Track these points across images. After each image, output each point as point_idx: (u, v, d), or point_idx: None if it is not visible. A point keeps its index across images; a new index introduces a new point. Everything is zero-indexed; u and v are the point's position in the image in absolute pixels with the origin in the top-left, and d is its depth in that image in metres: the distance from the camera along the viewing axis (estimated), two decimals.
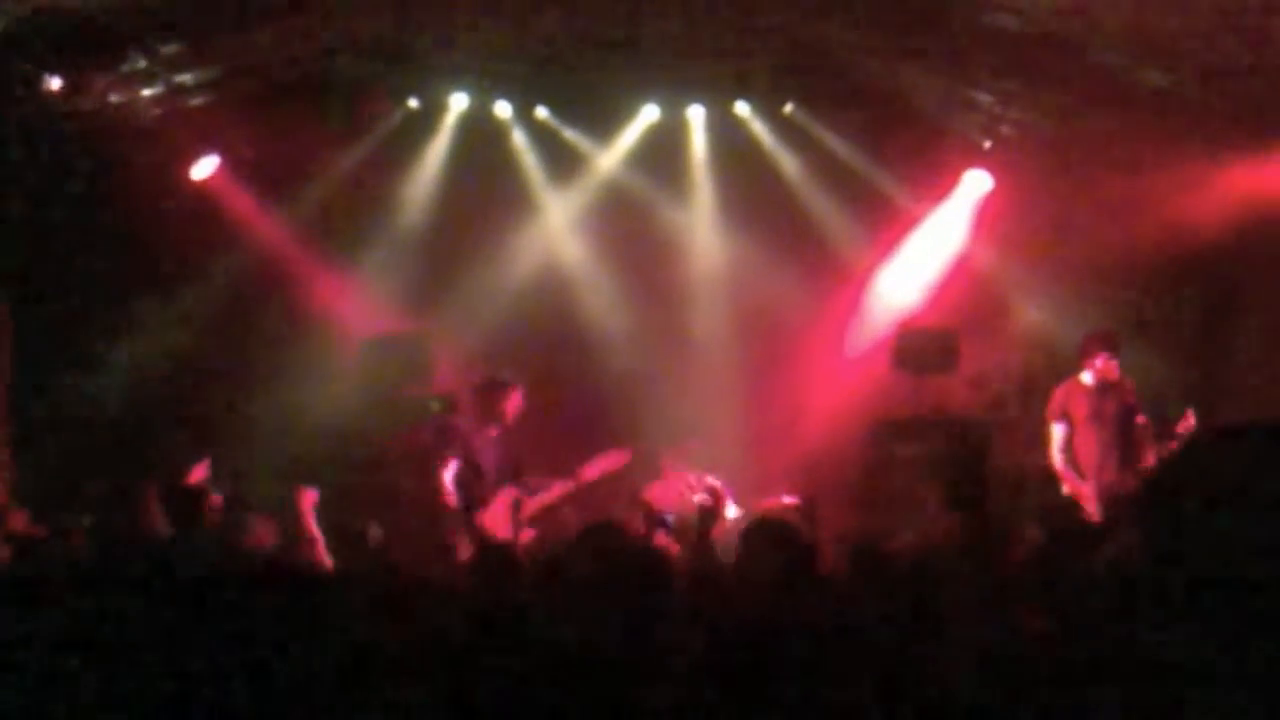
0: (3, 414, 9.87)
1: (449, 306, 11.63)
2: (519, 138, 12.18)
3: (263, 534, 6.72)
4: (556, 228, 12.28)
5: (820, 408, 11.50)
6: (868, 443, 11.46)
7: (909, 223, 12.07)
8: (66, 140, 9.98)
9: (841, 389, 11.59)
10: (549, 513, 9.54)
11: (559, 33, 10.76)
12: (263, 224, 11.57)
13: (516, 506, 9.37)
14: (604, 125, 12.15)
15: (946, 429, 11.01)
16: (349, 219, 11.81)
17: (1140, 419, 8.98)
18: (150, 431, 10.78)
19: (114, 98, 10.04)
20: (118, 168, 10.49)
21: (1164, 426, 8.80)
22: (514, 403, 9.52)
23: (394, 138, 11.86)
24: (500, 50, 11.15)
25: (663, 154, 12.15)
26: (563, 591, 3.77)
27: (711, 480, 9.95)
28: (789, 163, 12.13)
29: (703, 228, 12.31)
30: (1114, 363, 9.03)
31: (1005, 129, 11.42)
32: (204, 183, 11.29)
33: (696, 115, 12.16)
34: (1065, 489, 8.97)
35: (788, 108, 12.01)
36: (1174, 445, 8.26)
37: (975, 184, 11.77)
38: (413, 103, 11.82)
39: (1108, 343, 9.10)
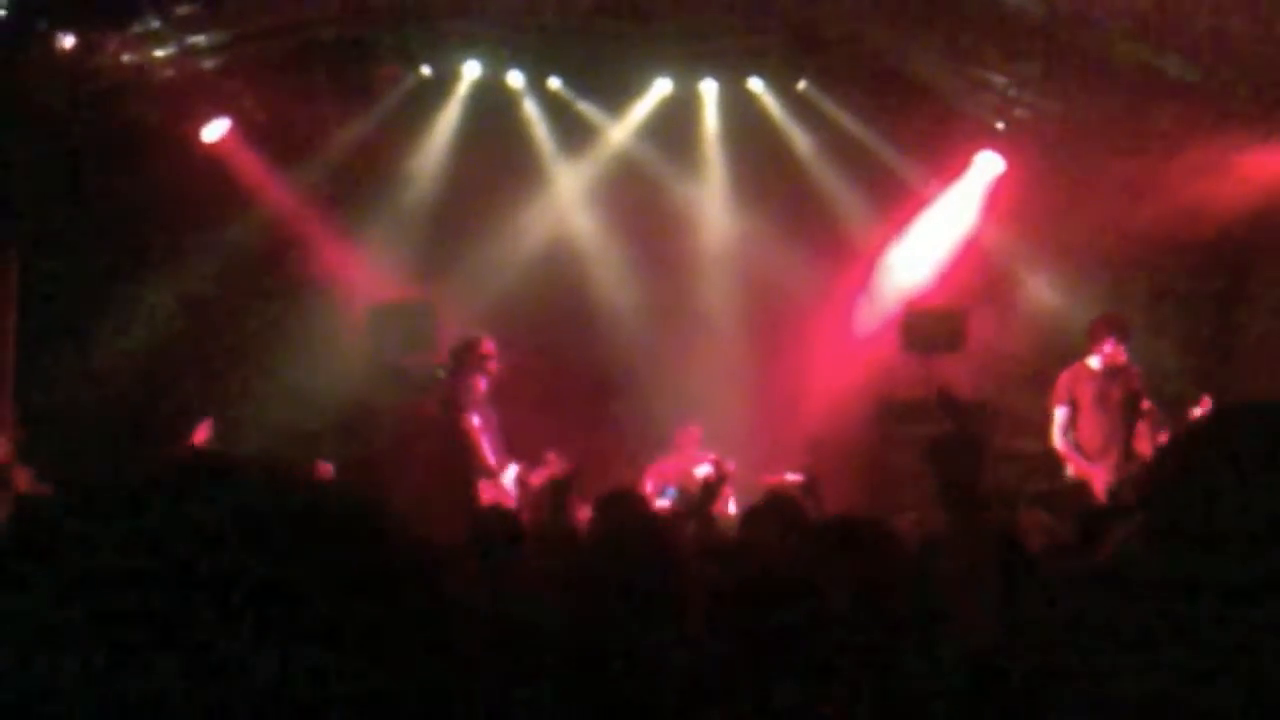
0: (9, 374, 9.87)
1: (456, 276, 11.62)
2: (531, 108, 12.14)
3: None
4: (566, 199, 12.26)
5: (827, 386, 11.51)
6: (874, 422, 11.47)
7: (919, 203, 12.05)
8: (78, 100, 9.95)
9: (848, 368, 11.59)
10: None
11: (574, 2, 10.73)
12: (272, 188, 11.55)
13: (524, 478, 9.43)
14: (616, 98, 12.12)
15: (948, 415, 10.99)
16: (359, 185, 11.79)
17: (1146, 404, 8.97)
18: (155, 397, 10.79)
19: (127, 58, 10.01)
20: (129, 128, 10.46)
21: (1172, 412, 8.78)
22: (487, 350, 9.54)
23: (406, 105, 11.82)
24: (514, 19, 11.11)
25: (675, 128, 12.12)
26: (573, 559, 3.80)
27: (720, 459, 9.98)
28: (801, 140, 12.11)
29: (713, 203, 12.30)
30: (1122, 348, 9.00)
31: (1018, 111, 11.38)
32: (215, 145, 11.27)
33: (709, 90, 12.12)
34: (1071, 471, 8.96)
35: (801, 85, 11.98)
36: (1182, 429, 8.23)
37: (987, 165, 11.74)
38: (425, 70, 11.78)
39: (1116, 328, 9.07)
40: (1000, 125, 11.60)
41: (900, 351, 11.42)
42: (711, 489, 6.66)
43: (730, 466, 9.85)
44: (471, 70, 11.83)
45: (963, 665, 3.05)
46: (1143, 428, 8.87)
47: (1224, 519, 1.58)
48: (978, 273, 11.69)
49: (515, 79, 11.98)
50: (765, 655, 2.85)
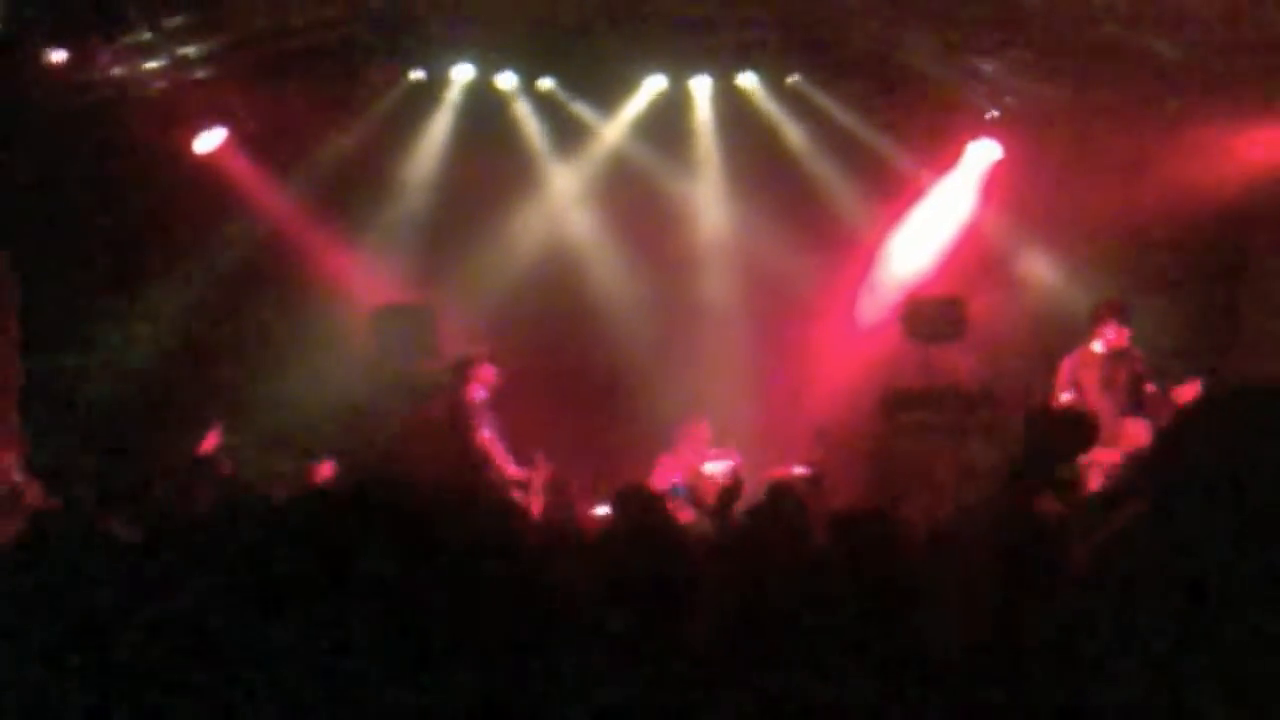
0: (15, 387, 9.88)
1: (454, 279, 11.61)
2: (524, 109, 12.12)
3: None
4: (562, 199, 12.24)
5: (830, 377, 11.51)
6: (877, 412, 11.47)
7: (916, 192, 12.04)
8: (71, 113, 9.94)
9: (851, 359, 11.59)
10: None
11: (564, 3, 10.71)
12: (268, 196, 11.54)
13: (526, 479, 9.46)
14: (609, 97, 12.10)
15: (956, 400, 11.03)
16: (354, 191, 11.77)
17: (1150, 387, 8.97)
18: (156, 407, 10.78)
19: (118, 70, 10.00)
20: (122, 140, 10.46)
21: (1170, 395, 8.77)
22: (484, 365, 9.67)
23: (399, 109, 11.79)
24: (505, 21, 11.10)
25: (668, 125, 12.10)
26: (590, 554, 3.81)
27: (729, 456, 10.00)
28: (795, 133, 12.09)
29: (709, 199, 12.28)
30: (1124, 331, 9.02)
31: (1011, 98, 11.38)
32: (209, 155, 11.26)
33: (702, 86, 12.11)
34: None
35: (793, 79, 11.96)
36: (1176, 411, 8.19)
37: (982, 153, 11.74)
38: (417, 74, 11.76)
39: (1118, 311, 9.08)
40: (994, 113, 11.59)
41: (902, 341, 11.42)
42: (732, 492, 6.69)
43: (737, 461, 9.87)
44: (464, 73, 11.81)
45: (967, 653, 3.05)
46: (1150, 409, 8.87)
47: (1219, 503, 1.57)
48: (977, 260, 11.69)
49: (507, 80, 11.96)
50: (770, 646, 2.85)
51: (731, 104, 12.12)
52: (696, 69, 11.96)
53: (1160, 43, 9.49)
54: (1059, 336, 10.02)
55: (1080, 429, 4.58)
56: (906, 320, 11.37)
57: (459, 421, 9.44)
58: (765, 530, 4.64)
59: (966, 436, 11.10)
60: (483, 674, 1.41)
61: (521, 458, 9.61)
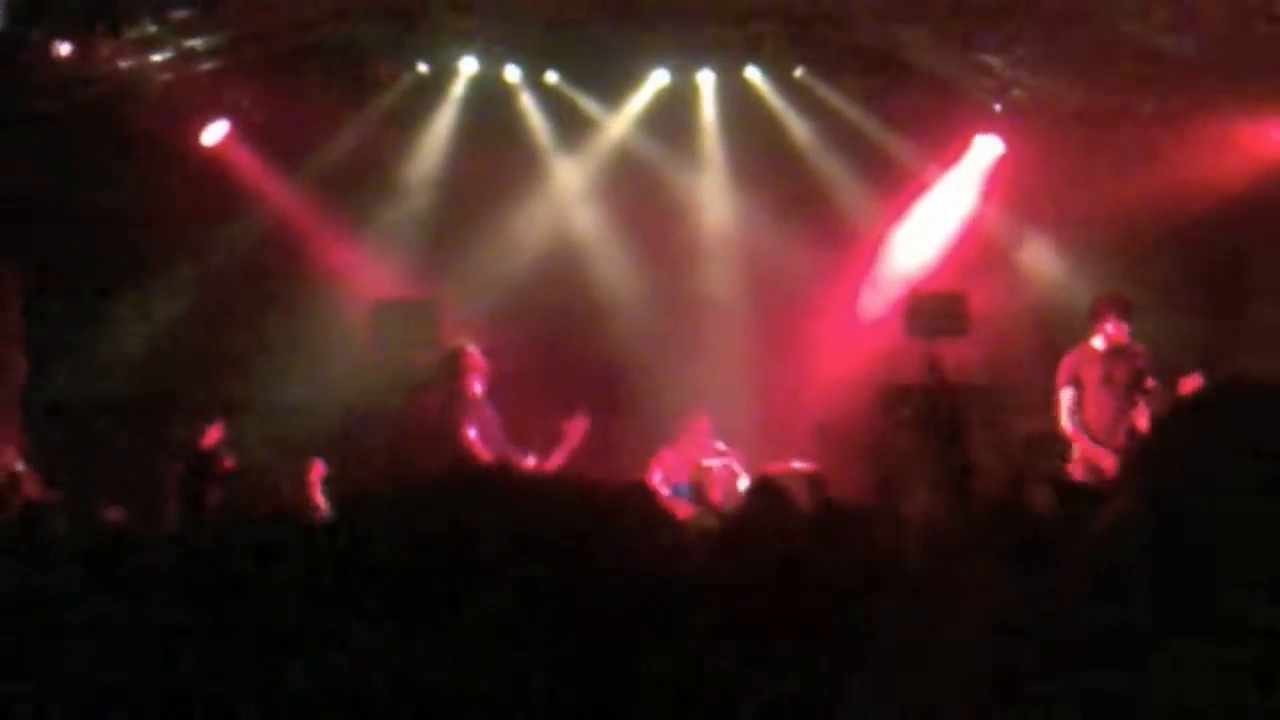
0: (17, 381, 9.90)
1: (458, 272, 11.62)
2: (529, 102, 12.12)
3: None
4: (566, 193, 12.25)
5: (831, 372, 11.50)
6: (878, 407, 11.46)
7: (920, 187, 12.03)
8: (75, 107, 9.96)
9: (853, 354, 11.59)
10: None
11: None
12: (272, 189, 11.56)
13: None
14: (614, 90, 12.10)
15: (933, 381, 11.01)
16: (358, 184, 11.78)
17: (1151, 383, 8.94)
18: (159, 400, 10.80)
19: (123, 63, 10.02)
20: (127, 133, 10.47)
21: (1173, 389, 8.75)
22: (472, 356, 9.46)
23: (403, 102, 11.80)
24: (510, 15, 11.10)
25: (673, 119, 12.10)
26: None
27: (725, 451, 9.98)
28: (799, 127, 12.09)
29: (713, 193, 12.28)
30: (1124, 327, 8.98)
31: (1016, 93, 11.37)
32: (214, 148, 11.27)
33: (706, 80, 12.11)
34: (1079, 452, 8.94)
35: (798, 72, 11.96)
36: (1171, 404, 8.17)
37: (986, 148, 11.72)
38: (422, 67, 11.77)
39: (1118, 307, 9.05)
40: (997, 107, 11.58)
41: (904, 336, 11.41)
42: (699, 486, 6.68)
43: (737, 458, 9.86)
44: (468, 66, 11.81)
45: (961, 648, 3.05)
46: (1146, 406, 8.85)
47: (1213, 498, 1.58)
48: (980, 255, 11.68)
49: (512, 74, 11.97)
50: (761, 643, 2.86)
51: (736, 98, 12.12)
52: (701, 63, 11.96)
53: (1166, 38, 9.48)
54: (1062, 332, 10.00)
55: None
56: (908, 316, 11.37)
57: (448, 418, 9.31)
58: (747, 527, 4.63)
59: (967, 433, 11.07)
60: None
61: (522, 451, 9.55)
